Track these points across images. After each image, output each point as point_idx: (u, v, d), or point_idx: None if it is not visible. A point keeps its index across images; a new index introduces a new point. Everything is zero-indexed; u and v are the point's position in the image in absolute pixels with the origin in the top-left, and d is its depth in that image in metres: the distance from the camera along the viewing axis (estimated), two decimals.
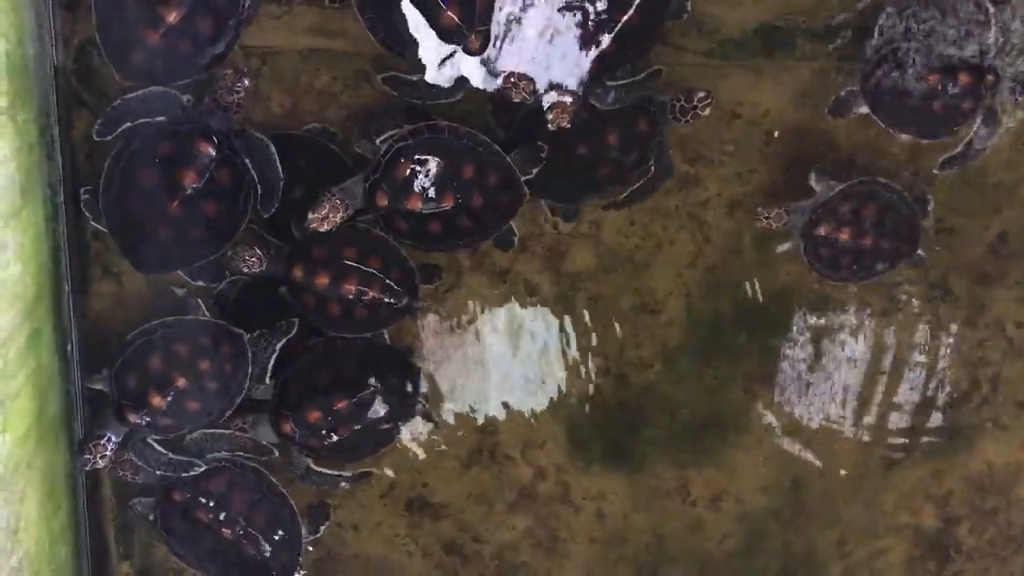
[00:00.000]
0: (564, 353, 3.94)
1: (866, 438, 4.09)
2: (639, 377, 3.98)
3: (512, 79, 3.37)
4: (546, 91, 3.41)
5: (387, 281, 3.53)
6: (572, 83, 3.43)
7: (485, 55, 3.37)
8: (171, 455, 3.61)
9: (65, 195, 3.57)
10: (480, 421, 3.99)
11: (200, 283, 3.63)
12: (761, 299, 3.91)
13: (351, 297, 3.52)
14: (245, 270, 3.51)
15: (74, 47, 3.46)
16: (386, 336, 3.76)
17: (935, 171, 3.73)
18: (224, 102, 3.35)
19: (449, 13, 3.26)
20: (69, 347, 3.70)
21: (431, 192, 3.42)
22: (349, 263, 3.52)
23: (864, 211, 3.65)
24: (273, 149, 3.41)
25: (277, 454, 3.73)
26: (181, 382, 3.47)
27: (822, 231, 3.63)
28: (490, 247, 3.77)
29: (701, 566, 4.19)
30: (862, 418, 4.07)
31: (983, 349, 4.03)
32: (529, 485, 4.06)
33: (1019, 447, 4.14)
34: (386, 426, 3.71)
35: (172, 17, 3.19)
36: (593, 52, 3.40)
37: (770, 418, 4.04)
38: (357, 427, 3.63)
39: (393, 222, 3.49)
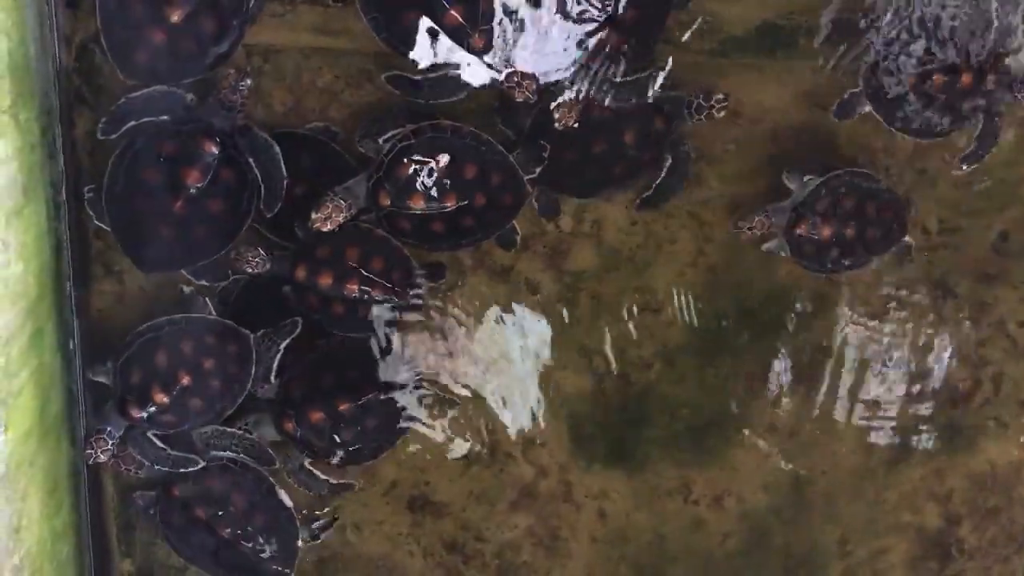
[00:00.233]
0: (565, 352, 3.94)
1: (868, 437, 4.09)
2: (640, 376, 3.97)
3: (515, 78, 3.37)
4: (549, 90, 3.42)
5: (387, 283, 3.54)
6: (574, 81, 3.44)
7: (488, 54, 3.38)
8: (170, 451, 3.62)
9: (67, 194, 3.57)
10: (481, 420, 4.00)
11: (203, 283, 3.63)
12: (762, 298, 3.92)
13: (355, 297, 3.53)
14: (249, 270, 3.51)
15: (76, 46, 3.45)
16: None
17: (954, 172, 3.73)
18: (228, 101, 3.35)
19: (453, 12, 3.26)
20: (71, 345, 3.69)
21: (434, 191, 3.42)
22: (352, 265, 3.52)
23: (843, 202, 3.63)
24: (277, 149, 3.40)
25: (278, 465, 3.76)
26: (186, 380, 3.48)
27: (801, 230, 3.62)
28: (491, 245, 3.77)
29: (702, 565, 4.19)
30: (864, 417, 4.07)
31: (985, 348, 4.03)
32: (530, 484, 4.06)
33: (1021, 446, 4.14)
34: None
35: (176, 16, 3.18)
36: (595, 49, 3.40)
37: (771, 417, 4.04)
38: (370, 426, 3.64)
39: (396, 221, 3.49)
